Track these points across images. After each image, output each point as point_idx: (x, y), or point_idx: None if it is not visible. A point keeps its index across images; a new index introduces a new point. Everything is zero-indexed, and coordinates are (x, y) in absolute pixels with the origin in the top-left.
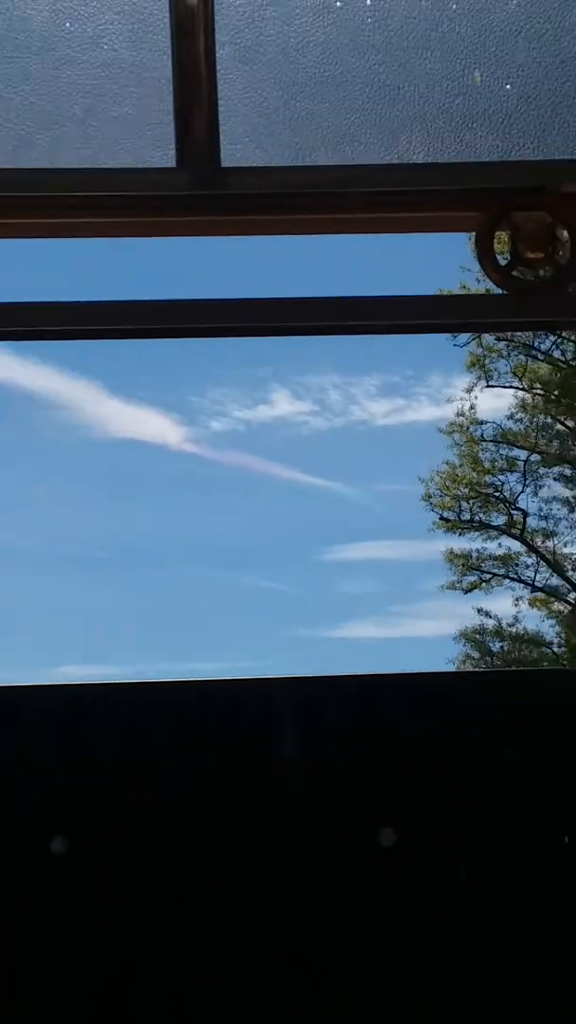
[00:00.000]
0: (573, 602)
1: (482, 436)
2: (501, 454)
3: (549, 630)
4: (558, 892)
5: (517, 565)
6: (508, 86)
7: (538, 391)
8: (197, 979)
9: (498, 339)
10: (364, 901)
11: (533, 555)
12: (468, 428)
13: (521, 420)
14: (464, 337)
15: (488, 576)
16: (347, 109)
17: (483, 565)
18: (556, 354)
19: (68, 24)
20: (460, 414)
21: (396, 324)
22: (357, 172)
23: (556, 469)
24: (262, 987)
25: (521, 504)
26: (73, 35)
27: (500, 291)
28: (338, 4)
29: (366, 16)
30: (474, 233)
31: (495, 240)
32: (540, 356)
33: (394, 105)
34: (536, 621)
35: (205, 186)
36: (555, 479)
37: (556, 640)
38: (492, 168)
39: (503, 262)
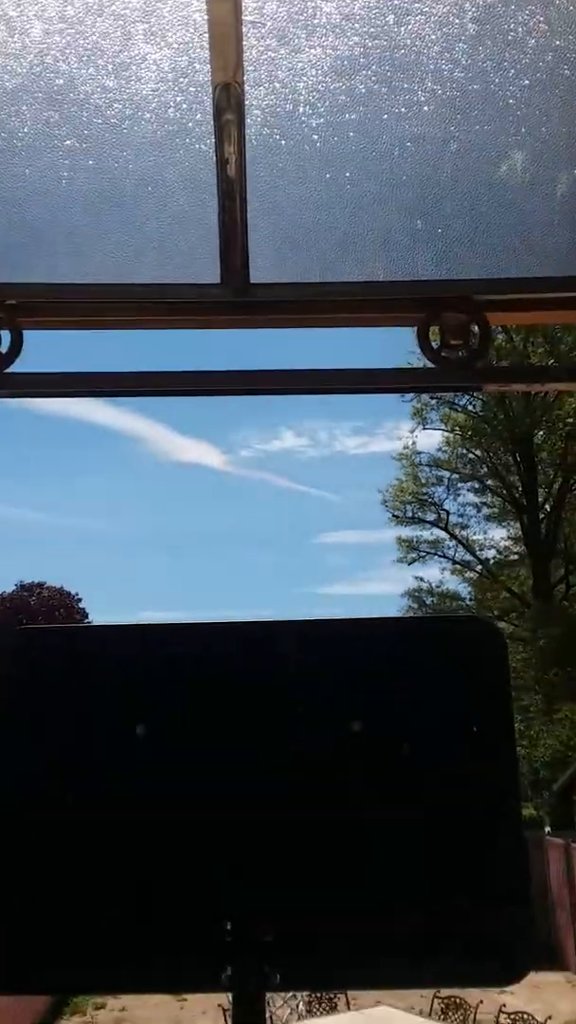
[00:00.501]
0: (478, 571)
1: (420, 462)
2: (433, 473)
3: (463, 590)
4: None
5: (443, 546)
6: (440, 230)
7: (457, 432)
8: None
9: (431, 397)
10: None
11: (453, 540)
12: (411, 456)
13: (445, 451)
14: (409, 396)
15: (423, 554)
16: (332, 246)
17: (420, 547)
18: (469, 407)
19: (150, 188)
20: (406, 447)
21: (370, 387)
22: (337, 287)
23: (468, 484)
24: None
25: (446, 506)
26: (150, 194)
27: (433, 365)
28: (327, 175)
29: (345, 184)
30: (417, 327)
31: (431, 331)
32: (459, 408)
33: (365, 240)
34: (455, 584)
35: (239, 296)
36: (468, 490)
37: (467, 597)
38: (430, 284)
39: (435, 346)
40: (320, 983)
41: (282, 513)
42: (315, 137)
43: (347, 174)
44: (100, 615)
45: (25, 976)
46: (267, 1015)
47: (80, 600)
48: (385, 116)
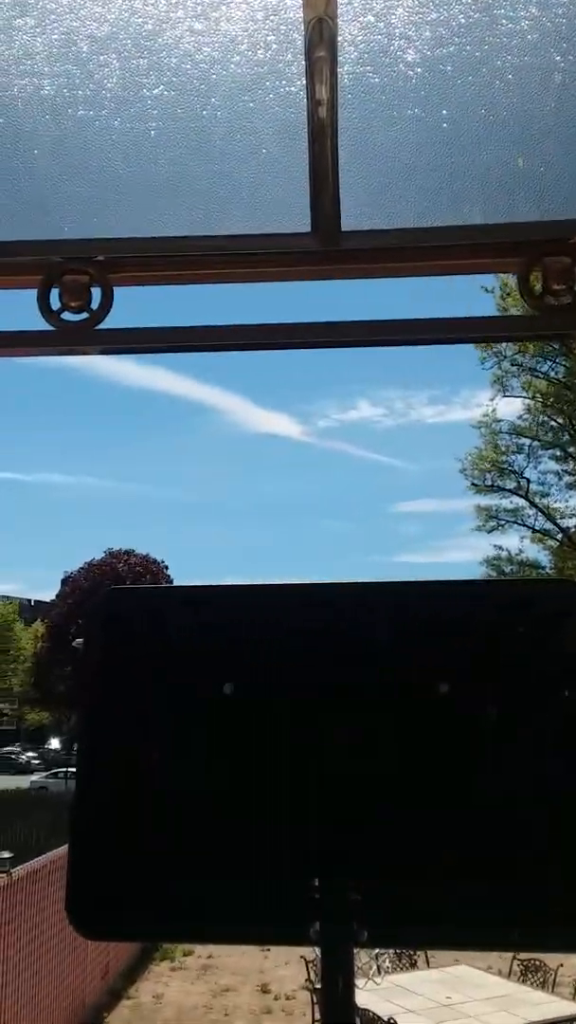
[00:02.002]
0: (559, 539)
1: (500, 429)
2: (513, 441)
3: (543, 558)
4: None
5: (522, 515)
6: (542, 169)
7: (538, 399)
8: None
9: (512, 363)
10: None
11: (533, 508)
12: (491, 424)
13: (526, 418)
14: (489, 362)
15: (503, 522)
16: (428, 190)
17: (499, 515)
18: (551, 374)
19: (239, 135)
20: (485, 415)
21: (467, 336)
22: (432, 232)
23: (549, 451)
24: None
25: (526, 474)
26: (239, 142)
27: (534, 312)
28: (422, 114)
29: (441, 123)
30: (517, 272)
31: (531, 276)
32: (540, 375)
33: (463, 182)
34: (534, 552)
35: (329, 244)
36: (548, 458)
37: (547, 565)
38: (532, 226)
39: (537, 292)
40: (406, 942)
41: (358, 482)
42: (410, 73)
43: (443, 112)
44: (184, 581)
45: (118, 924)
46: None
47: (167, 567)
48: (485, 47)
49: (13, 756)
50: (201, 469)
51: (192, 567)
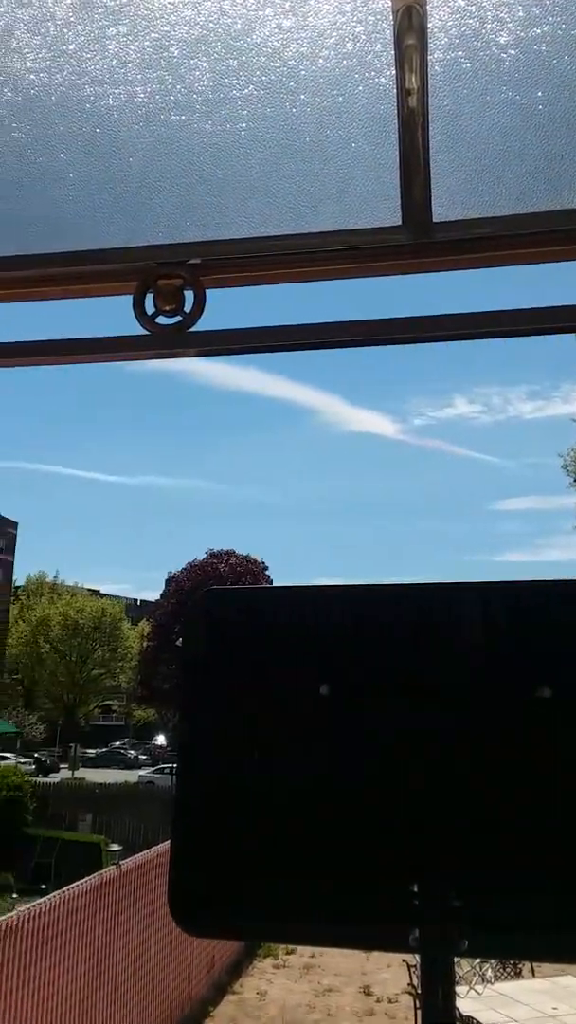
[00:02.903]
0: None
1: None
2: None
3: None
4: None
5: None
6: None
7: None
8: None
9: None
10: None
11: None
12: None
13: None
14: None
15: None
16: (523, 175)
17: None
18: None
19: (328, 131)
20: None
21: (559, 326)
22: (529, 219)
23: None
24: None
25: None
26: (328, 137)
27: None
28: (516, 97)
29: (536, 105)
30: None
31: None
32: None
33: (563, 164)
34: None
35: (421, 236)
36: None
37: None
38: None
39: None
40: (507, 952)
41: (455, 481)
42: (503, 56)
43: (539, 93)
44: (283, 581)
45: (217, 923)
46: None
47: (267, 567)
48: None
49: (122, 751)
50: (298, 469)
51: (291, 567)
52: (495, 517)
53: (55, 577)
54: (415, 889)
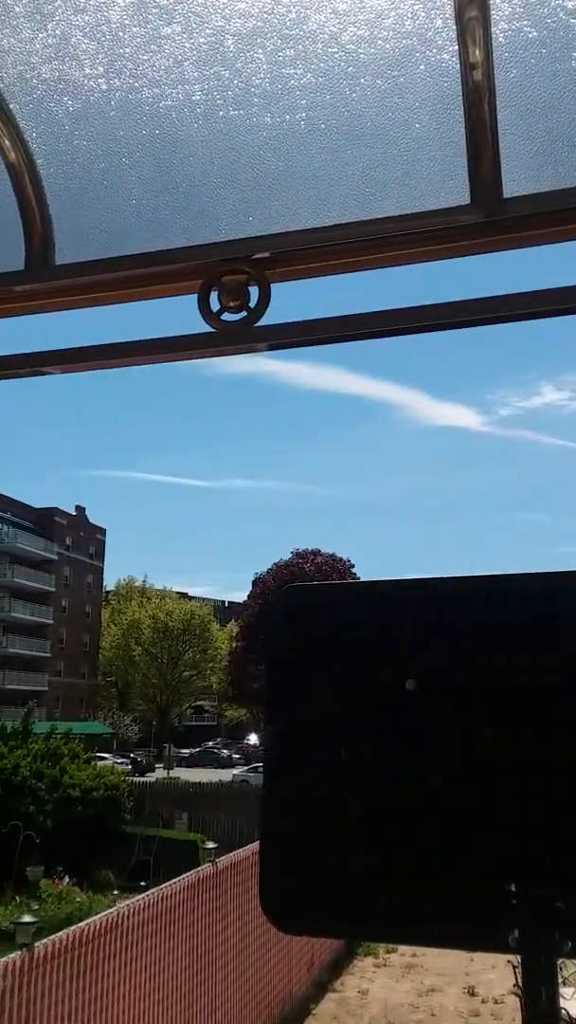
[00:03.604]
0: None
1: None
2: None
3: None
4: None
5: None
6: None
7: None
8: None
9: None
10: None
11: None
12: None
13: None
14: None
15: None
16: None
17: None
18: None
19: (390, 113)
20: None
21: None
22: None
23: None
24: None
25: None
26: (391, 120)
27: None
28: None
29: None
30: None
31: None
32: None
33: None
34: None
35: (492, 214)
36: None
37: None
38: None
39: None
40: None
41: (547, 471)
42: (572, 21)
43: None
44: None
45: (311, 920)
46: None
47: (353, 566)
48: None
49: (215, 751)
50: (381, 467)
51: (377, 565)
52: None
53: (144, 581)
54: (513, 889)
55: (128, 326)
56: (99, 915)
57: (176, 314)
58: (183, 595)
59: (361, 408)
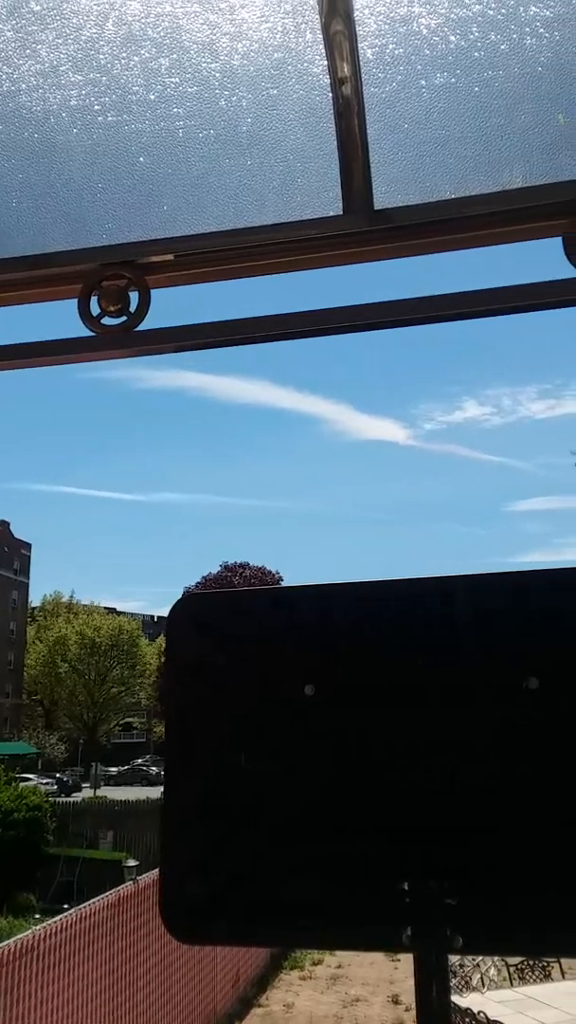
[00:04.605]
0: None
1: None
2: None
3: None
4: None
5: None
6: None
7: None
8: None
9: None
10: None
11: None
12: None
13: None
14: None
15: None
16: (464, 158)
17: None
18: None
19: (265, 124)
20: None
21: (522, 304)
22: (470, 201)
23: None
24: None
25: None
26: (266, 131)
27: None
28: (451, 81)
29: (472, 87)
30: (562, 235)
31: None
32: None
33: (500, 146)
34: None
35: (364, 224)
36: None
37: None
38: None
39: None
40: (503, 948)
41: (469, 484)
42: (435, 39)
43: (474, 75)
44: None
45: (209, 929)
46: (450, 977)
47: (282, 579)
48: (512, 2)
49: (144, 768)
50: (310, 479)
51: (307, 577)
52: (513, 518)
53: (71, 597)
54: (405, 887)
55: (6, 329)
56: (12, 939)
57: (56, 317)
58: (112, 610)
59: (291, 422)
